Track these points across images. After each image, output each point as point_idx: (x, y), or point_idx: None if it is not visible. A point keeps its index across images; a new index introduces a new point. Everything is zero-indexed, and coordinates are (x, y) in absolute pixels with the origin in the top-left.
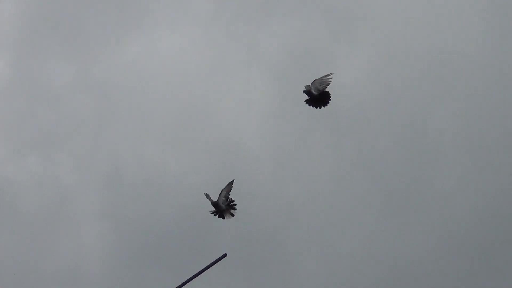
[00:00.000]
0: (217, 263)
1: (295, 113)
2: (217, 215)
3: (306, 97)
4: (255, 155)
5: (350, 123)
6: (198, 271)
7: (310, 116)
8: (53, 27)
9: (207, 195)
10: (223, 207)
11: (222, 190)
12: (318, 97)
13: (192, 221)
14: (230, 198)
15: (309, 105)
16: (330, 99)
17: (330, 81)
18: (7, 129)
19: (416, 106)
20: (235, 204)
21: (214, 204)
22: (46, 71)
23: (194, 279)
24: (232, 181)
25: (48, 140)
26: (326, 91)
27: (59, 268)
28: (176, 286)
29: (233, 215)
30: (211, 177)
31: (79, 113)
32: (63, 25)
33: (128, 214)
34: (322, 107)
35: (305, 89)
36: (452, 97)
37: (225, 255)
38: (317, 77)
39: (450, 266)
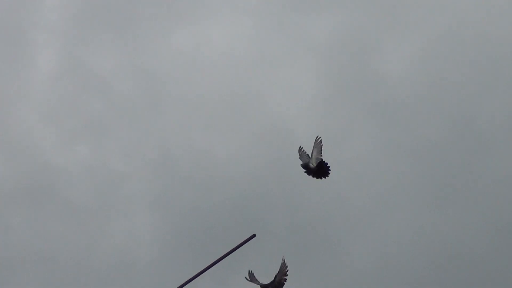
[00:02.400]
0: (246, 243)
1: (343, 102)
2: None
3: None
4: (303, 143)
5: (399, 113)
6: (225, 252)
7: (358, 105)
8: (102, 14)
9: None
10: (315, 168)
11: (312, 150)
12: (316, 169)
13: (241, 209)
14: (321, 159)
15: (312, 176)
16: (329, 170)
17: (321, 143)
18: (56, 118)
19: (466, 96)
20: None
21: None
22: (96, 59)
23: (223, 260)
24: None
25: (98, 128)
26: (323, 162)
27: (110, 256)
28: (206, 266)
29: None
30: (259, 165)
31: (128, 101)
32: (112, 13)
33: (178, 201)
34: (325, 177)
35: (302, 163)
36: (503, 86)
37: (253, 235)
38: (312, 147)
39: (501, 255)
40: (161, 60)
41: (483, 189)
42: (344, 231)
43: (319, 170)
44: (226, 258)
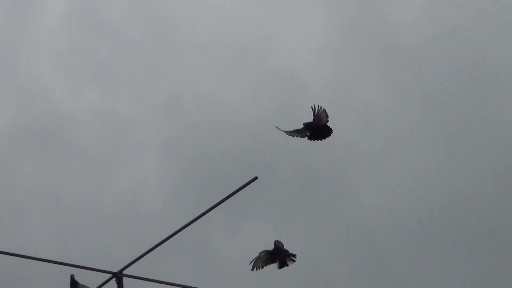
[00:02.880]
0: (247, 186)
1: (353, 49)
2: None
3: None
4: (312, 89)
5: (408, 59)
6: (227, 195)
7: (367, 51)
8: None
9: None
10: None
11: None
12: (319, 130)
13: (249, 155)
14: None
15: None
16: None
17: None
18: (65, 64)
19: (475, 41)
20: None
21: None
22: (104, 4)
23: (230, 206)
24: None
25: (106, 74)
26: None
27: (118, 201)
28: (209, 207)
29: (293, 261)
30: (267, 111)
31: (137, 46)
32: None
33: (186, 146)
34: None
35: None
36: None
37: (255, 178)
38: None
39: (508, 199)
40: (170, 5)
41: (491, 133)
42: (352, 175)
43: (323, 130)
44: (231, 201)
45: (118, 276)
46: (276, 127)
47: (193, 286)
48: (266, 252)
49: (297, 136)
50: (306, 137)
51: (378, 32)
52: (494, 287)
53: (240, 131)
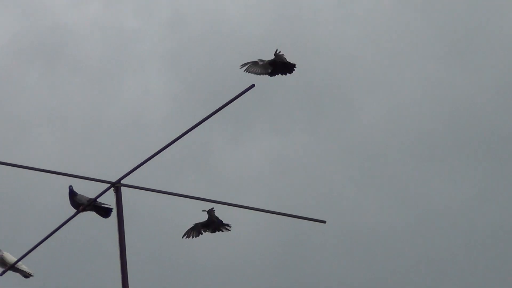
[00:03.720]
0: (244, 94)
1: None
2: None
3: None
4: (314, 2)
5: None
6: (224, 103)
7: None
8: None
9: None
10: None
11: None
12: (282, 66)
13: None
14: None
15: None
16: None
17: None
18: None
19: None
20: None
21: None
22: None
23: (220, 111)
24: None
25: None
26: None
27: (122, 112)
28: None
29: (228, 229)
30: (270, 25)
31: None
32: None
33: (190, 59)
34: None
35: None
36: None
37: (252, 85)
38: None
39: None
40: None
41: (497, 44)
42: (355, 87)
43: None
44: (233, 113)
45: (116, 186)
46: (241, 65)
47: (194, 195)
48: (200, 224)
49: (259, 74)
50: (268, 74)
51: None
52: (499, 193)
53: (243, 44)
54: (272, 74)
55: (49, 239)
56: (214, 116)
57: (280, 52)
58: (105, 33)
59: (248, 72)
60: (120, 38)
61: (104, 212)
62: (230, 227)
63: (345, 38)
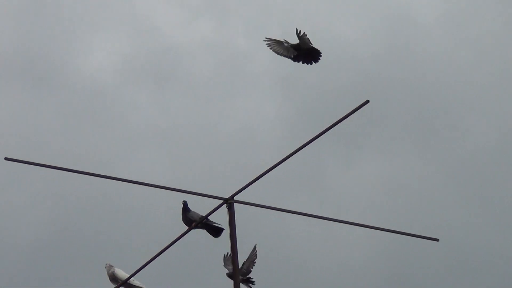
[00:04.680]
0: (359, 110)
1: None
2: None
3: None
4: (425, 21)
5: None
6: (340, 117)
7: None
8: None
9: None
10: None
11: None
12: (307, 52)
13: (364, 90)
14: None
15: (299, 61)
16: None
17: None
18: None
19: None
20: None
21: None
22: None
23: (334, 128)
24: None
25: (220, 5)
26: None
27: (235, 133)
28: (317, 134)
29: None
30: (382, 47)
31: None
32: None
33: (302, 81)
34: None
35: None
36: None
37: (367, 101)
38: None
39: None
40: None
41: None
42: (465, 109)
43: (310, 53)
44: (346, 135)
45: (229, 202)
46: (266, 38)
47: (304, 212)
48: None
49: (282, 55)
50: (291, 59)
51: None
52: None
53: (354, 66)
54: (296, 59)
55: (161, 255)
56: (326, 136)
57: (302, 33)
58: (216, 53)
59: (271, 49)
60: (232, 58)
61: (215, 231)
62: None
63: (456, 61)
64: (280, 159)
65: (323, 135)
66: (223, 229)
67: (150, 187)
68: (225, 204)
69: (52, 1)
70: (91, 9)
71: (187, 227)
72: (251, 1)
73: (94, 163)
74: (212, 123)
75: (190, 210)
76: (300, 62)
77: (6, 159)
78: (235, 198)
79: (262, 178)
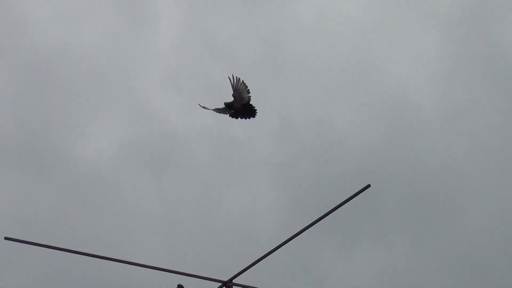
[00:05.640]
0: (360, 194)
1: (465, 74)
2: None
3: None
4: (424, 113)
5: None
6: (339, 202)
7: (480, 76)
8: None
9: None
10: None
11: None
12: (241, 109)
13: (362, 178)
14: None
15: (235, 117)
16: (256, 111)
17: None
18: (177, 83)
19: None
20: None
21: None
22: (215, 24)
23: (335, 212)
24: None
25: (217, 93)
26: (249, 104)
27: (232, 215)
28: (317, 218)
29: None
30: (379, 135)
31: (248, 66)
32: None
33: (299, 170)
34: (251, 117)
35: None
36: None
37: (368, 185)
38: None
39: None
40: (283, 27)
41: None
42: (462, 198)
43: (245, 109)
44: (344, 224)
45: (228, 285)
46: (199, 104)
47: None
48: None
49: (221, 113)
50: (229, 115)
51: (491, 56)
52: None
53: (352, 154)
54: (233, 116)
55: None
56: (325, 222)
57: (236, 83)
58: (214, 141)
59: (206, 109)
60: (229, 146)
61: None
62: None
63: (454, 148)
64: (279, 244)
65: (323, 220)
66: None
67: (149, 269)
68: (224, 287)
69: (50, 88)
70: (90, 95)
71: None
72: (250, 89)
73: (93, 246)
74: (210, 209)
75: None
76: (238, 118)
77: (6, 238)
78: (233, 281)
79: (260, 262)
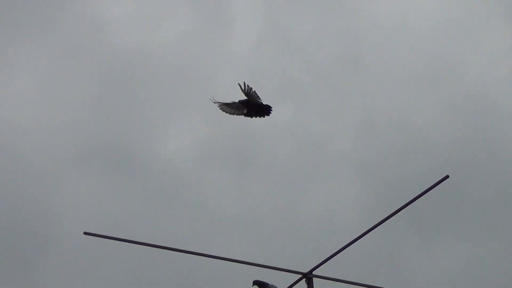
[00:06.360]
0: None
1: None
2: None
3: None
4: (503, 109)
5: None
6: (417, 194)
7: None
8: None
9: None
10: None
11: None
12: (256, 107)
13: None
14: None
15: (251, 116)
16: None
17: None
18: (257, 81)
19: None
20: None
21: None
22: (293, 21)
23: (416, 204)
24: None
25: (298, 88)
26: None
27: (313, 212)
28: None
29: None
30: (459, 130)
31: (327, 64)
32: None
33: (379, 162)
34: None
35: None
36: None
37: (447, 176)
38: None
39: None
40: (360, 23)
41: None
42: None
43: (260, 108)
44: (425, 218)
45: (308, 277)
46: (211, 99)
47: (381, 286)
48: None
49: (234, 114)
50: (243, 115)
51: None
52: None
53: (433, 150)
54: (248, 115)
55: None
56: (406, 214)
57: (248, 88)
58: (295, 137)
59: (223, 111)
60: (311, 144)
61: None
62: None
63: None
64: (358, 235)
65: (405, 213)
66: None
67: (229, 262)
68: (304, 279)
69: (130, 87)
70: (169, 94)
71: None
72: (328, 86)
73: (175, 242)
74: (291, 205)
75: (269, 284)
76: (253, 117)
77: (86, 233)
78: (313, 272)
79: (341, 254)
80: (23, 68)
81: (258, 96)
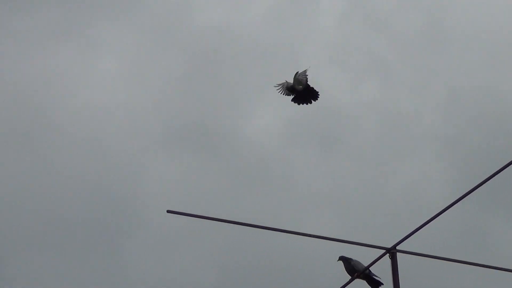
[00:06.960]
0: None
1: None
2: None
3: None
4: None
5: None
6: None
7: None
8: None
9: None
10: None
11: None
12: (303, 92)
13: None
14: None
15: (297, 103)
16: (318, 95)
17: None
18: (341, 59)
19: None
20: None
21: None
22: None
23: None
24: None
25: (384, 66)
26: (311, 87)
27: (401, 188)
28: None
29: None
30: None
31: (411, 38)
32: None
33: (465, 137)
34: (312, 101)
35: (286, 86)
36: None
37: None
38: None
39: None
40: None
41: None
42: None
43: (307, 93)
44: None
45: (391, 252)
46: (275, 86)
47: (468, 260)
48: None
49: (283, 93)
50: (291, 100)
51: None
52: None
53: None
54: (295, 100)
55: None
56: (494, 193)
57: (301, 74)
58: (382, 115)
59: (282, 94)
60: (396, 120)
61: (375, 284)
62: None
63: None
64: (442, 209)
65: (489, 184)
66: (382, 284)
67: (315, 238)
68: (388, 254)
69: (217, 68)
70: (255, 74)
71: (350, 277)
72: (413, 61)
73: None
74: (378, 182)
75: (353, 259)
76: (300, 104)
77: (169, 211)
78: (397, 247)
79: (426, 230)
80: (108, 50)
81: (306, 75)
